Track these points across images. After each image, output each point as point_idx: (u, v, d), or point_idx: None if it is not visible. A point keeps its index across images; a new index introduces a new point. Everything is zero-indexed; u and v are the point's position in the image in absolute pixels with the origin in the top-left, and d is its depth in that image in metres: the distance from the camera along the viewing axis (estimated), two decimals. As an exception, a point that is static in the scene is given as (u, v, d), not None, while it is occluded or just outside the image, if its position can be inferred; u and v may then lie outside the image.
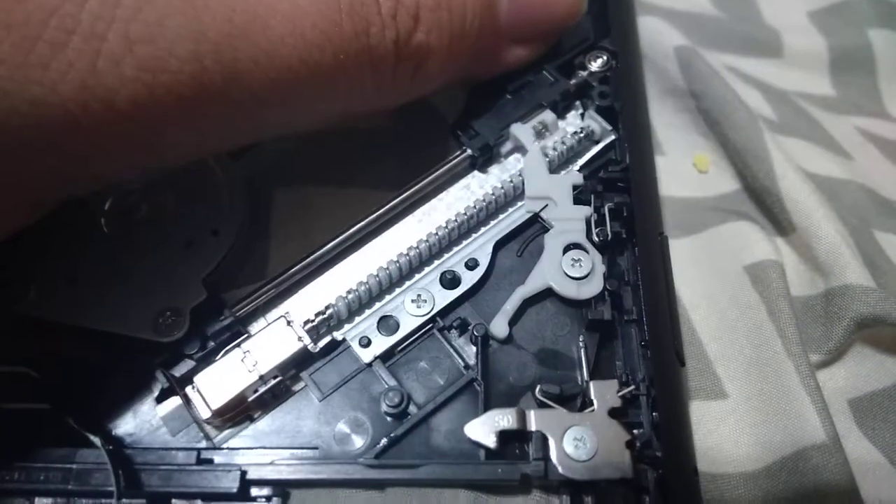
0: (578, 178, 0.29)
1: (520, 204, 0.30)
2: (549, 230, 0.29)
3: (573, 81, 0.31)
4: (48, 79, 0.18)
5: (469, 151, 0.29)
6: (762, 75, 0.42)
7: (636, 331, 0.27)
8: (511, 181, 0.29)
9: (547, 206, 0.29)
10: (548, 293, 0.28)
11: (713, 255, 0.33)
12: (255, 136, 0.25)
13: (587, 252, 0.28)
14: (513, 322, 0.27)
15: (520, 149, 0.30)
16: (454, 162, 0.29)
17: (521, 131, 0.30)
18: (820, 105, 0.41)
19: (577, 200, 0.29)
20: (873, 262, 0.33)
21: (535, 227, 0.29)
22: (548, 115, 0.30)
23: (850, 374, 0.31)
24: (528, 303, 0.28)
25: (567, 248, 0.28)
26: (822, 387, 0.29)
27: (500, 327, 0.27)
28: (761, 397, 0.29)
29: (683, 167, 0.37)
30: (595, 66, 0.32)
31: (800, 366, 0.29)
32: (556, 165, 0.30)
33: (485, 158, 0.30)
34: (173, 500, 0.24)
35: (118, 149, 0.21)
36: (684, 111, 0.39)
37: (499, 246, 0.29)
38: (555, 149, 0.30)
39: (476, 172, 0.30)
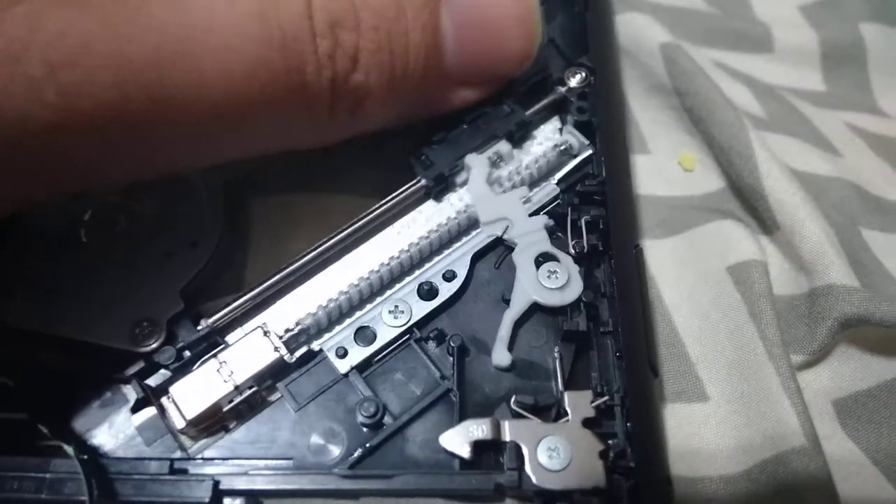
0: (525, 192, 0.30)
1: (479, 230, 0.30)
2: (514, 249, 0.29)
3: (552, 97, 0.32)
4: None
5: (423, 181, 0.30)
6: (752, 70, 0.42)
7: (612, 342, 0.27)
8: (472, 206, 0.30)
9: (507, 227, 0.29)
10: (534, 309, 0.28)
11: (697, 255, 0.33)
12: (191, 164, 0.26)
13: (559, 260, 0.28)
14: (511, 347, 0.27)
15: (474, 179, 0.30)
16: (409, 191, 0.29)
17: (475, 161, 0.30)
18: (810, 100, 0.42)
19: (534, 213, 0.30)
20: (859, 260, 0.33)
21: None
22: (503, 146, 0.30)
23: (835, 375, 0.31)
24: (518, 324, 0.28)
25: (539, 262, 0.28)
26: (806, 387, 0.30)
27: (501, 356, 0.27)
28: (742, 400, 0.29)
29: (668, 166, 0.37)
30: (574, 81, 0.32)
31: (780, 368, 0.29)
32: (535, 179, 0.31)
33: (439, 188, 0.30)
34: (147, 510, 0.25)
35: (36, 171, 0.21)
36: (669, 109, 0.39)
37: (477, 258, 0.30)
38: (518, 173, 0.31)
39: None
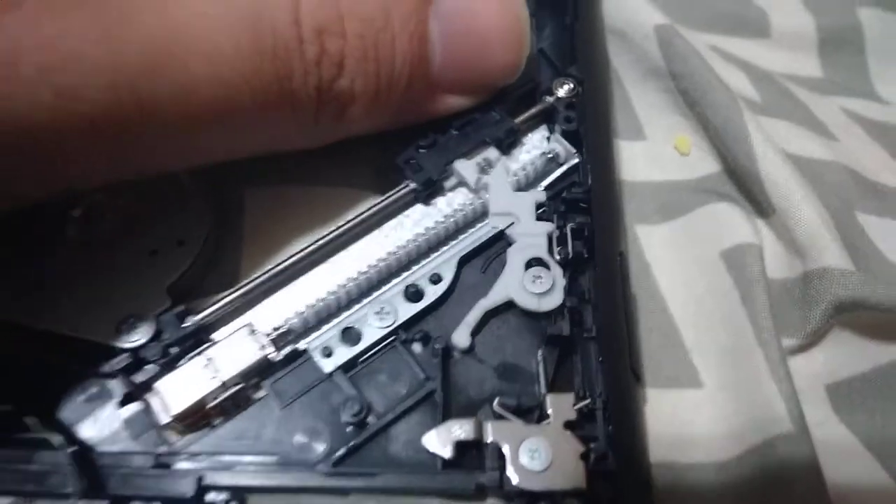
0: (542, 196, 0.31)
1: (486, 221, 0.31)
2: (512, 245, 0.30)
3: (540, 107, 0.34)
4: None
5: (413, 185, 0.31)
6: (748, 56, 0.43)
7: (594, 347, 0.28)
8: (479, 199, 0.31)
9: (512, 223, 0.31)
10: (509, 306, 0.29)
11: (692, 239, 0.34)
12: (181, 165, 0.27)
13: (548, 268, 0.30)
14: (474, 333, 0.29)
15: (463, 184, 0.32)
16: (399, 195, 0.31)
17: (464, 167, 0.31)
18: (806, 86, 0.42)
19: (540, 218, 0.31)
20: (854, 244, 0.33)
21: (499, 244, 0.31)
22: (492, 153, 0.32)
23: (829, 359, 0.31)
24: (490, 315, 0.29)
25: (529, 264, 0.30)
26: (800, 372, 0.30)
27: (461, 338, 0.29)
28: (734, 387, 0.30)
29: (664, 151, 0.37)
30: (562, 92, 0.34)
31: (770, 354, 0.30)
32: (523, 185, 0.33)
33: (428, 192, 0.31)
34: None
35: (36, 171, 0.23)
36: (665, 92, 0.39)
37: (463, 262, 0.31)
38: (524, 169, 0.32)
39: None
